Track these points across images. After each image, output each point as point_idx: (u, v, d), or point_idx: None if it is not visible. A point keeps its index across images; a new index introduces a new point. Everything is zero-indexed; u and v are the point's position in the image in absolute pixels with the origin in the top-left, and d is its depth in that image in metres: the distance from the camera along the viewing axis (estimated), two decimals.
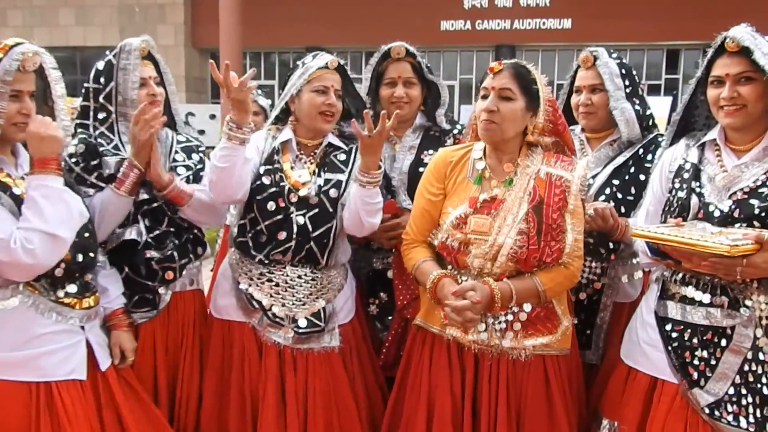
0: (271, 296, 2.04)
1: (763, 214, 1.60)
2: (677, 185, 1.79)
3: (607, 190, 2.15)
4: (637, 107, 2.15)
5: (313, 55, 2.09)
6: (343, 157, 2.12)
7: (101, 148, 1.96)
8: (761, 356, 1.62)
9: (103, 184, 1.93)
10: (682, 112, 1.89)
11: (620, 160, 2.18)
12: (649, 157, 2.14)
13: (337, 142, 2.14)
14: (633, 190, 2.13)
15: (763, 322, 1.62)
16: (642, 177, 2.10)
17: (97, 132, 2.00)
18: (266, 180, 2.01)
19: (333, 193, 2.04)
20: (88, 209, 1.78)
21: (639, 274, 2.20)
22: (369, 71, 2.36)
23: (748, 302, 1.63)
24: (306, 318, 2.03)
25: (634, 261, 2.14)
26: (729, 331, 1.65)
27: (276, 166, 2.05)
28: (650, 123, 2.21)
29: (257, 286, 2.06)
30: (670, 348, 1.73)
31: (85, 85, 2.02)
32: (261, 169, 2.04)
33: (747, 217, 1.62)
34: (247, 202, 2.04)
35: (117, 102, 1.99)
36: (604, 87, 2.15)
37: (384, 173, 2.28)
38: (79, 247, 1.70)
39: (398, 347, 2.30)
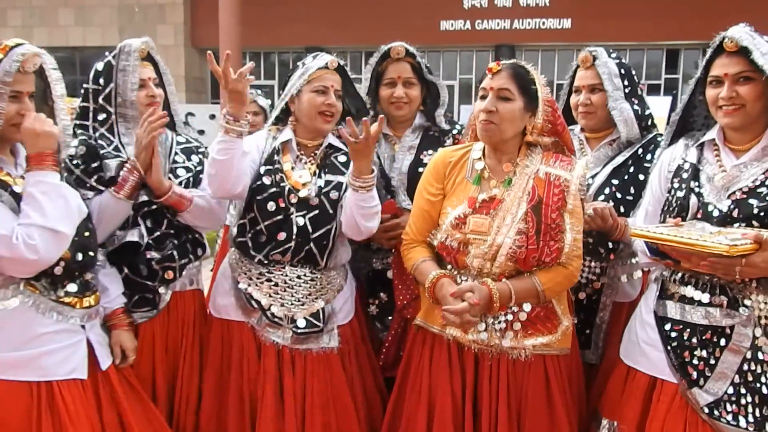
0: (270, 296, 2.05)
1: (761, 214, 1.60)
2: (676, 185, 1.79)
3: (607, 190, 2.15)
4: (635, 107, 2.16)
5: (313, 56, 2.09)
6: (343, 158, 2.11)
7: (102, 151, 1.96)
8: (760, 356, 1.63)
9: (102, 188, 1.93)
10: (681, 112, 1.89)
11: (619, 159, 2.18)
12: (649, 156, 2.14)
13: (337, 143, 2.14)
14: (632, 190, 2.13)
15: (762, 321, 1.62)
16: (641, 177, 2.10)
17: (97, 133, 2.00)
18: (267, 180, 2.01)
19: (333, 194, 2.04)
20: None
21: (638, 274, 2.20)
22: (369, 71, 2.36)
23: (747, 302, 1.63)
24: (305, 318, 2.03)
25: (634, 261, 2.15)
26: (728, 331, 1.65)
27: (276, 166, 2.05)
28: (649, 123, 2.21)
29: (256, 285, 2.06)
30: (669, 347, 1.73)
31: (85, 86, 2.02)
32: (261, 169, 2.04)
33: (746, 217, 1.62)
34: (247, 202, 2.04)
35: (116, 103, 1.99)
36: (603, 87, 2.15)
37: (383, 173, 2.29)
38: (78, 246, 1.71)
39: (398, 347, 2.30)
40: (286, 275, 2.05)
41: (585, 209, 1.91)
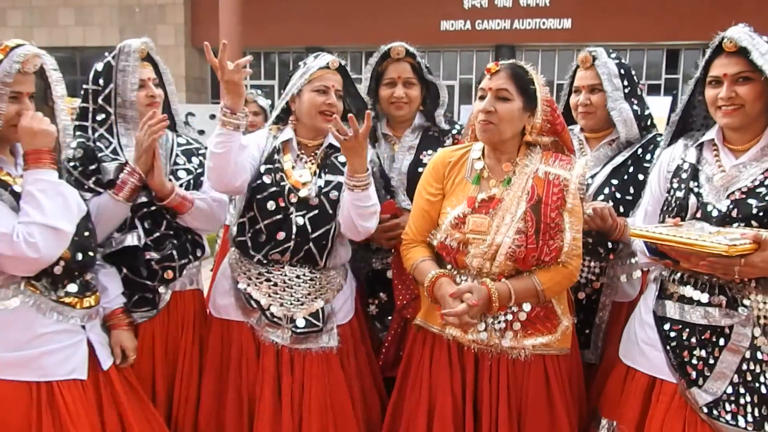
0: (270, 296, 2.05)
1: (761, 214, 1.60)
2: (675, 185, 1.79)
3: (606, 190, 2.15)
4: (635, 107, 2.16)
5: (314, 56, 2.09)
6: (343, 158, 2.11)
7: (100, 153, 1.96)
8: (759, 355, 1.63)
9: (100, 189, 1.94)
10: (680, 113, 1.90)
11: (619, 159, 2.18)
12: (648, 156, 2.15)
13: (337, 143, 2.14)
14: (632, 190, 2.13)
15: (761, 321, 1.62)
16: (641, 177, 2.10)
17: (96, 134, 2.00)
18: (267, 179, 2.01)
19: (333, 194, 2.03)
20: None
21: (638, 274, 2.21)
22: (369, 71, 2.36)
23: (746, 301, 1.63)
24: (304, 318, 2.03)
25: (633, 260, 2.15)
26: (727, 331, 1.65)
27: (277, 165, 2.04)
28: (649, 123, 2.21)
29: (256, 285, 2.06)
30: (668, 347, 1.73)
31: (84, 86, 2.02)
32: (261, 168, 2.04)
33: (745, 217, 1.62)
34: (246, 201, 2.04)
35: (116, 103, 1.99)
36: (602, 87, 2.15)
37: (383, 173, 2.29)
38: (78, 246, 1.71)
39: (398, 347, 2.31)
40: (286, 275, 2.05)
41: (584, 209, 1.91)
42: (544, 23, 12.70)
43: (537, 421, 1.81)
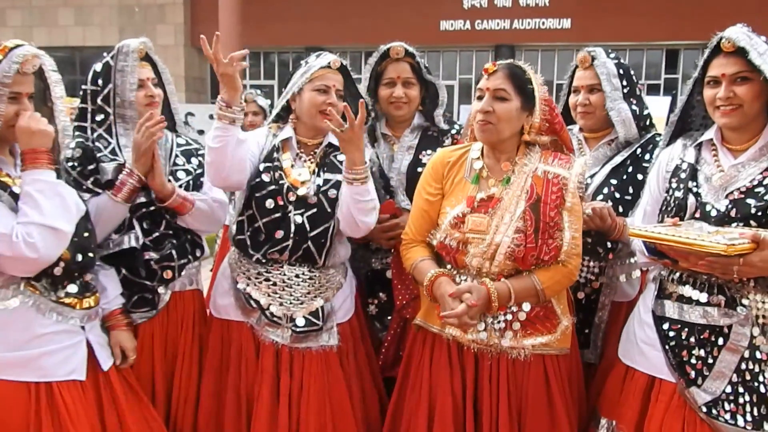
0: (269, 295, 2.04)
1: (759, 214, 1.60)
2: (674, 185, 1.80)
3: (605, 190, 2.15)
4: (634, 107, 2.16)
5: (316, 55, 2.09)
6: (343, 157, 2.11)
7: (98, 154, 1.96)
8: (758, 355, 1.63)
9: (99, 190, 1.94)
10: (679, 113, 1.90)
11: (618, 159, 2.18)
12: (647, 156, 2.15)
13: (337, 142, 2.14)
14: (631, 190, 2.13)
15: (760, 320, 1.63)
16: (640, 176, 2.10)
17: (95, 134, 2.00)
18: (266, 177, 2.01)
19: (332, 193, 2.03)
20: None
21: (637, 274, 2.20)
22: (368, 71, 2.36)
23: (744, 301, 1.64)
24: (304, 317, 2.03)
25: (632, 260, 2.15)
26: (726, 330, 1.65)
27: (276, 163, 2.04)
28: (648, 123, 2.21)
29: (255, 285, 2.06)
30: (667, 347, 1.73)
31: (83, 87, 2.02)
32: (261, 166, 2.04)
33: (743, 217, 1.62)
34: (245, 199, 2.04)
35: (115, 104, 1.99)
36: (601, 87, 2.15)
37: (382, 173, 2.29)
38: (78, 247, 1.71)
39: (397, 347, 2.31)
40: (285, 274, 2.05)
41: (584, 209, 1.91)
42: (543, 23, 12.70)
43: (537, 420, 1.81)
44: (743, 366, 1.63)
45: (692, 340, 1.70)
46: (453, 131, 2.38)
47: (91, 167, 1.95)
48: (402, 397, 1.99)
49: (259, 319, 2.05)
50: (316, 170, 2.08)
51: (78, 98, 2.06)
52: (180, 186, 2.05)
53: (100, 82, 1.99)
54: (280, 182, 2.01)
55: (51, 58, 1.73)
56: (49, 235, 1.56)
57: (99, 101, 1.99)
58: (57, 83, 1.73)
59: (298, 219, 2.00)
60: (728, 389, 1.63)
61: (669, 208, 1.78)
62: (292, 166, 2.06)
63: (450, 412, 1.84)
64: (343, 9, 12.71)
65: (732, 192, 1.67)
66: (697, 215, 1.70)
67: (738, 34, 1.62)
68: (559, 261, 1.78)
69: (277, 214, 2.00)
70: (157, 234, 2.02)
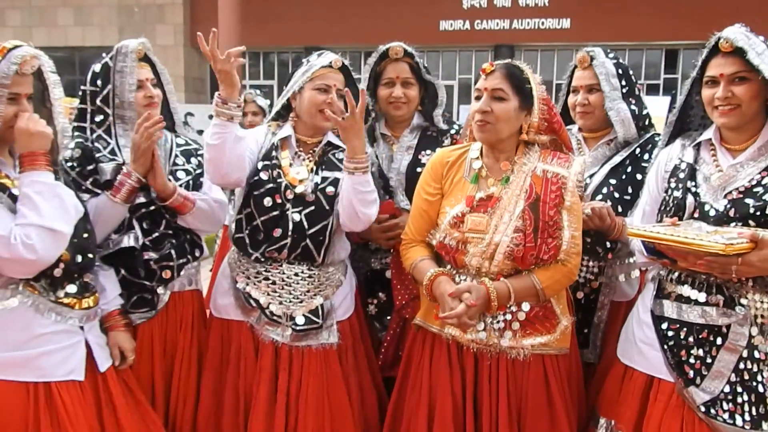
0: (269, 294, 2.05)
1: (758, 213, 1.60)
2: (673, 185, 1.80)
3: (605, 190, 2.15)
4: (633, 107, 2.16)
5: (318, 54, 2.09)
6: (341, 155, 2.11)
7: (97, 154, 1.96)
8: (756, 354, 1.63)
9: (98, 190, 1.94)
10: (678, 113, 1.90)
11: (617, 159, 2.18)
12: (646, 156, 2.15)
13: (336, 141, 2.14)
14: (630, 190, 2.13)
15: (759, 320, 1.63)
16: (639, 176, 2.11)
17: (94, 135, 2.00)
18: (264, 175, 2.01)
19: (330, 190, 2.03)
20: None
21: (636, 273, 2.21)
22: (367, 71, 2.36)
23: (743, 301, 1.64)
24: (304, 315, 2.03)
25: (631, 260, 2.15)
26: (724, 330, 1.65)
27: (274, 162, 2.04)
28: (647, 123, 2.21)
29: (254, 284, 2.06)
30: (666, 347, 1.73)
31: (82, 87, 2.02)
32: (259, 164, 2.04)
33: (742, 217, 1.62)
34: (244, 197, 2.04)
35: (114, 104, 1.99)
36: (600, 87, 2.15)
37: (382, 173, 2.29)
38: (78, 248, 1.71)
39: (396, 347, 2.31)
40: (284, 273, 2.05)
41: (583, 208, 1.91)
42: (543, 23, 12.71)
43: (537, 420, 1.81)
44: (742, 366, 1.63)
45: (691, 339, 1.70)
46: (452, 131, 2.38)
47: (90, 168, 1.95)
48: (402, 397, 1.99)
49: (258, 318, 2.05)
50: (314, 168, 2.08)
51: (77, 98, 2.06)
52: (180, 186, 2.05)
53: (99, 82, 1.99)
54: (278, 180, 2.01)
55: (50, 58, 1.73)
56: (47, 236, 1.56)
57: (98, 102, 2.00)
58: (56, 84, 1.73)
59: (296, 217, 2.00)
60: (727, 389, 1.63)
61: (668, 208, 1.78)
62: (291, 164, 2.06)
63: (450, 412, 1.84)
64: (342, 9, 12.71)
65: (730, 192, 1.67)
66: (696, 215, 1.70)
67: (736, 34, 1.63)
68: (559, 260, 1.78)
69: (275, 212, 2.00)
70: (156, 234, 2.02)
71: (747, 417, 1.61)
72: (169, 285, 2.07)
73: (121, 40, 2.05)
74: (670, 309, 1.76)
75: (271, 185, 2.00)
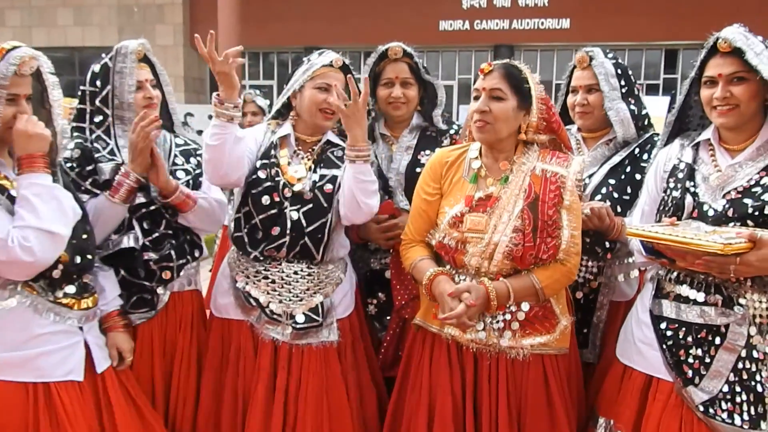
0: (268, 293, 2.05)
1: (756, 213, 1.60)
2: (672, 185, 1.80)
3: (604, 190, 2.15)
4: (632, 107, 2.16)
5: (319, 53, 2.09)
6: (340, 153, 2.10)
7: (96, 154, 1.96)
8: (755, 354, 1.63)
9: (97, 191, 1.94)
10: (677, 113, 1.90)
11: (616, 159, 2.18)
12: (645, 156, 2.15)
13: (336, 139, 2.14)
14: (629, 190, 2.13)
15: (757, 320, 1.63)
16: (638, 176, 2.11)
17: (94, 135, 2.00)
18: (262, 174, 2.02)
19: (328, 187, 2.03)
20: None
21: (635, 273, 2.21)
22: (366, 71, 2.36)
23: (741, 300, 1.64)
24: (303, 313, 2.03)
25: (630, 260, 2.15)
26: (723, 330, 1.65)
27: (272, 160, 2.04)
28: (646, 123, 2.21)
29: (254, 283, 2.06)
30: (664, 346, 1.73)
31: (81, 87, 2.02)
32: (258, 163, 2.04)
33: (741, 217, 1.62)
34: (242, 196, 2.04)
35: (113, 105, 1.99)
36: (599, 87, 2.16)
37: (381, 174, 2.29)
38: (77, 249, 1.71)
39: (396, 347, 2.31)
40: (283, 271, 2.05)
41: (582, 208, 1.91)
42: (542, 23, 12.71)
43: (536, 420, 1.82)
44: (740, 365, 1.63)
45: (689, 339, 1.70)
46: (451, 131, 2.38)
47: (89, 168, 1.95)
48: (402, 397, 1.99)
49: (259, 317, 2.05)
50: (313, 167, 2.08)
51: (77, 99, 2.06)
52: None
53: (98, 83, 1.99)
54: (276, 179, 2.01)
55: (50, 58, 1.73)
56: (45, 238, 1.56)
57: (97, 102, 2.00)
58: (54, 85, 1.73)
59: (294, 215, 2.00)
60: (725, 388, 1.64)
61: (666, 208, 1.78)
62: (289, 162, 2.06)
63: (450, 412, 1.84)
64: (342, 9, 12.72)
65: (729, 192, 1.67)
66: (695, 215, 1.70)
67: (734, 34, 1.63)
68: (558, 260, 1.78)
69: (273, 211, 2.00)
70: (156, 234, 2.02)
71: (745, 416, 1.61)
72: (169, 285, 2.07)
73: (121, 40, 2.05)
74: (668, 309, 1.76)
75: (269, 184, 2.00)
